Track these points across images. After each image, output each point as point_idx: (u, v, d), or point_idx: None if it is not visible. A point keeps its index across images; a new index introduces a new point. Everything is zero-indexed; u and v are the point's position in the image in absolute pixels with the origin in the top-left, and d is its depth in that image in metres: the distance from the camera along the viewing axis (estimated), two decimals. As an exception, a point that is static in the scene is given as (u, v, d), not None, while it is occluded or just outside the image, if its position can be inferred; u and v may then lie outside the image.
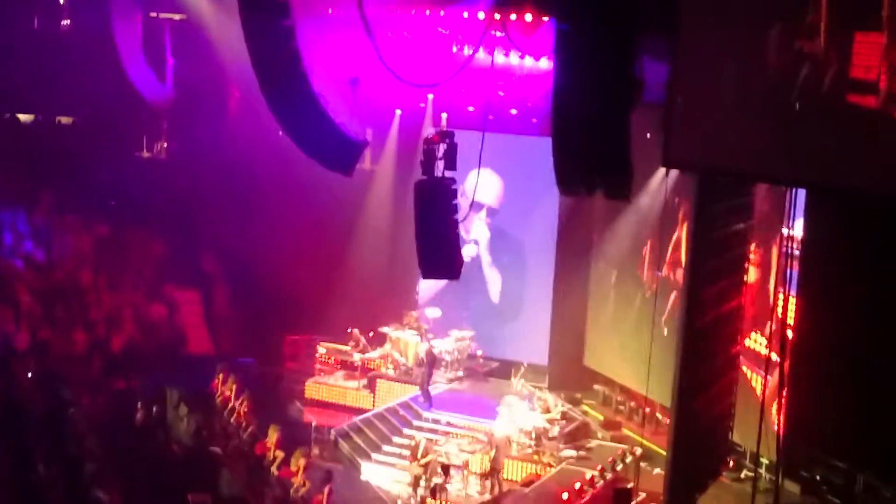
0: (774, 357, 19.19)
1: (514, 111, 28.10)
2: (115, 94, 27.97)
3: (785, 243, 15.34)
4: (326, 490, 21.60)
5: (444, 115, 22.04)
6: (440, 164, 17.53)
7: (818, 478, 20.70)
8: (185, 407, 25.32)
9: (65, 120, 32.78)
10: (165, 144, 32.81)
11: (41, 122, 32.96)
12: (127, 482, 20.91)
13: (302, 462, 22.64)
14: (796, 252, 17.81)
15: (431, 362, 26.60)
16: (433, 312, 29.26)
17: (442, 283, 28.38)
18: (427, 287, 29.76)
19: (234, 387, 26.20)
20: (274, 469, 23.17)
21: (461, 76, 18.73)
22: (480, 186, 28.42)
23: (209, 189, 30.85)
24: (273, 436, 23.58)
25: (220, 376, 26.68)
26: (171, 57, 27.53)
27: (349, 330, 28.35)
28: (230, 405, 25.91)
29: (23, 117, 33.22)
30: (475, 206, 28.03)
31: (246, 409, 25.44)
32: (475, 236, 29.69)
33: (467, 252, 28.62)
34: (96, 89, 28.57)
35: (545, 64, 25.71)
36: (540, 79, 26.36)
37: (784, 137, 12.64)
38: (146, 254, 31.38)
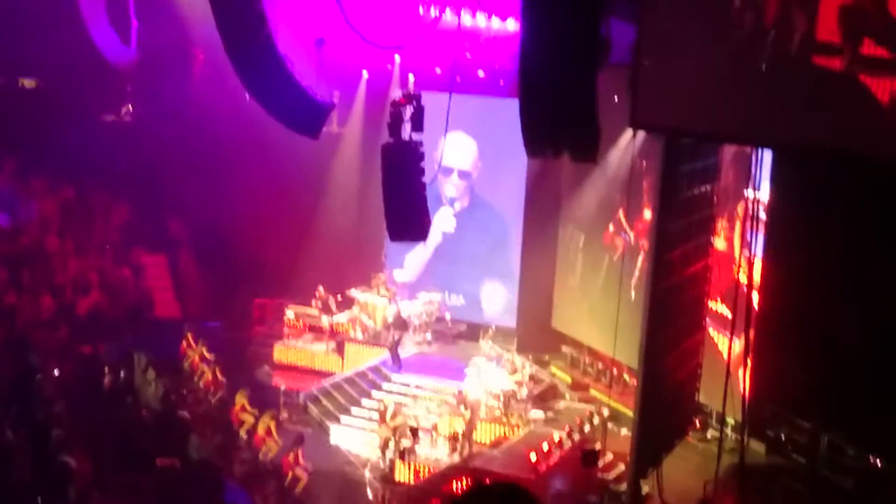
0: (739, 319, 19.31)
1: (481, 73, 28.02)
2: (78, 57, 27.63)
3: (750, 205, 15.39)
4: (298, 452, 21.62)
5: (411, 77, 22.02)
6: (407, 127, 17.47)
7: (783, 437, 20.94)
8: (152, 371, 25.24)
9: (28, 83, 32.39)
10: (130, 108, 32.48)
11: (3, 85, 32.57)
12: (95, 447, 20.82)
13: (271, 424, 22.64)
14: (762, 216, 17.92)
15: (401, 325, 26.63)
16: (401, 275, 29.28)
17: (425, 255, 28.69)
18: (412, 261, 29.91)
19: (202, 350, 26.15)
20: (243, 433, 23.18)
21: (428, 38, 18.62)
22: (455, 150, 28.65)
23: (175, 153, 30.61)
24: (241, 400, 23.57)
25: (188, 339, 26.60)
26: (135, 19, 27.16)
27: (316, 291, 28.32)
28: (199, 370, 25.86)
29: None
30: (444, 170, 28.11)
31: (215, 373, 25.41)
32: (451, 196, 29.71)
33: (444, 218, 28.79)
34: (60, 52, 28.22)
35: (512, 25, 25.63)
36: (507, 40, 26.29)
37: (751, 99, 12.67)
38: (112, 218, 31.16)
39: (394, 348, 26.18)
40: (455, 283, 29.62)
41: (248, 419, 23.26)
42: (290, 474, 21.44)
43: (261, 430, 22.71)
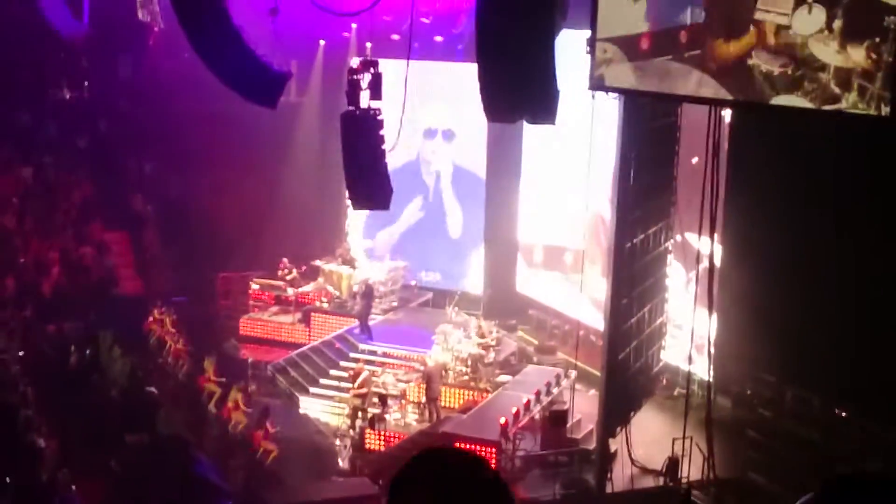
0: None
1: (439, 38, 27.90)
2: (30, 32, 27.31)
3: (710, 162, 15.47)
4: (266, 424, 21.63)
5: (368, 45, 21.86)
6: (366, 95, 17.39)
7: (748, 392, 21.15)
8: (118, 349, 25.13)
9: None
10: (87, 83, 32.13)
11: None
12: (63, 427, 20.77)
13: (238, 397, 22.62)
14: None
15: (369, 294, 26.62)
16: (364, 243, 29.25)
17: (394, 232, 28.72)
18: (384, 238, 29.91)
19: (169, 325, 26.05)
20: (211, 406, 23.15)
21: (384, 4, 18.52)
22: (435, 112, 28.66)
23: (134, 128, 30.37)
24: (209, 368, 23.52)
25: (154, 314, 26.47)
26: (86, -8, 26.90)
27: (280, 263, 28.27)
28: (167, 345, 25.77)
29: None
30: (429, 132, 28.13)
31: (182, 347, 25.34)
32: (437, 167, 29.64)
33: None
34: (11, 28, 27.87)
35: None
36: (464, 4, 26.19)
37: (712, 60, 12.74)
38: (72, 196, 30.87)
39: (364, 318, 26.19)
40: (430, 260, 29.60)
41: (215, 389, 23.23)
42: (260, 447, 21.44)
43: (230, 403, 22.69)
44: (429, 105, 28.13)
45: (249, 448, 21.68)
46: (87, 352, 24.88)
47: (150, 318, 26.48)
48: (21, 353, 24.33)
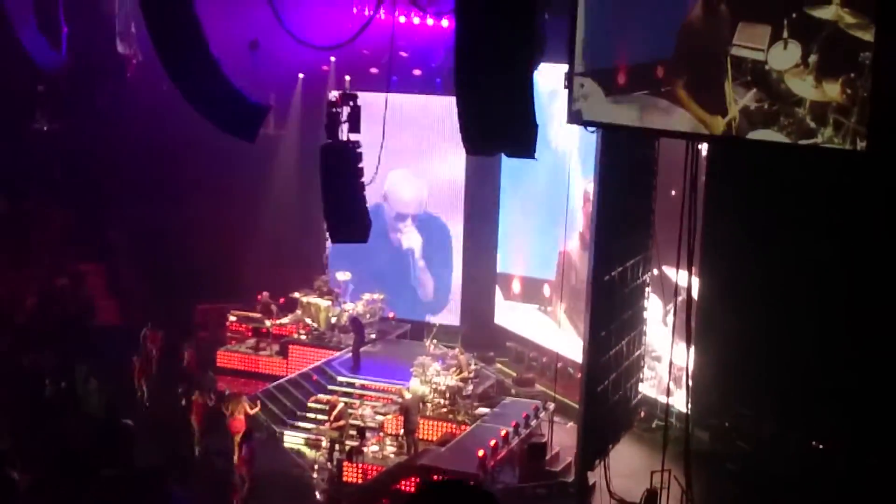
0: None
1: (417, 72, 28.01)
2: (7, 63, 27.23)
3: (687, 195, 15.55)
4: (244, 448, 21.48)
5: (347, 78, 21.96)
6: (344, 128, 17.43)
7: (727, 425, 21.18)
8: (94, 380, 24.95)
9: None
10: (65, 115, 32.06)
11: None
12: (38, 460, 20.56)
13: (246, 406, 22.53)
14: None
15: (359, 328, 26.63)
16: (343, 276, 29.21)
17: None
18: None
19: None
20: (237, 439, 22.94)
21: (363, 38, 18.58)
22: (403, 192, 29.04)
23: (111, 160, 30.29)
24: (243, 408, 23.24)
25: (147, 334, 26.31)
26: (65, 24, 26.81)
27: (258, 295, 28.20)
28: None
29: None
30: (399, 216, 28.35)
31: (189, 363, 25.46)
32: (408, 245, 29.91)
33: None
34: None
35: (447, 23, 25.64)
36: (442, 38, 26.31)
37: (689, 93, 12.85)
38: (48, 227, 30.74)
39: (356, 349, 26.20)
40: (395, 283, 29.65)
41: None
42: (237, 476, 21.29)
43: (240, 414, 22.56)
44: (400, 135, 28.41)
45: (228, 479, 21.53)
46: (63, 384, 24.70)
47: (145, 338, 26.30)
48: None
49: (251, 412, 22.67)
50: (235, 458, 21.64)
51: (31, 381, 24.89)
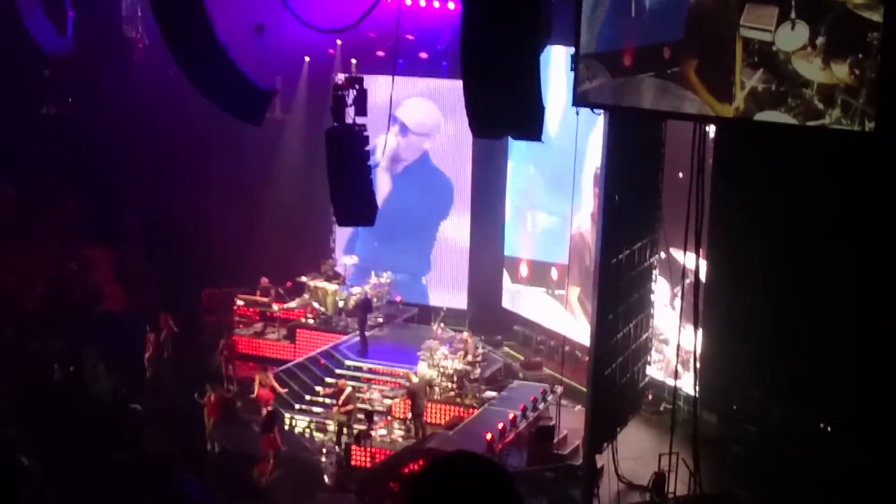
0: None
1: (424, 55, 27.93)
2: (13, 48, 27.21)
3: (695, 177, 15.50)
4: (276, 429, 21.71)
5: (353, 61, 21.85)
6: (350, 111, 17.40)
7: (734, 407, 21.16)
8: (102, 366, 25.01)
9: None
10: (70, 100, 32.04)
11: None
12: (47, 445, 20.61)
13: (269, 378, 22.87)
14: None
15: (367, 307, 26.63)
16: (350, 260, 29.21)
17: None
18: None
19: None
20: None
21: (369, 21, 18.52)
22: (414, 112, 28.82)
23: (118, 144, 30.24)
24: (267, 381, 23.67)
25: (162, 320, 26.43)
26: (70, 9, 26.77)
27: (260, 280, 28.26)
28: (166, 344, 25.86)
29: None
30: (402, 127, 28.40)
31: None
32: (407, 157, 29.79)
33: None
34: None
35: (453, 6, 25.56)
36: (449, 20, 26.23)
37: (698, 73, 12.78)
38: (56, 212, 30.75)
39: (362, 333, 26.22)
40: (403, 264, 29.60)
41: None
42: (269, 453, 21.38)
43: (267, 385, 23.28)
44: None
45: (254, 463, 21.64)
46: (71, 369, 24.77)
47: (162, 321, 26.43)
48: (4, 371, 24.19)
49: (279, 390, 22.98)
50: (259, 429, 21.74)
51: (40, 366, 24.96)
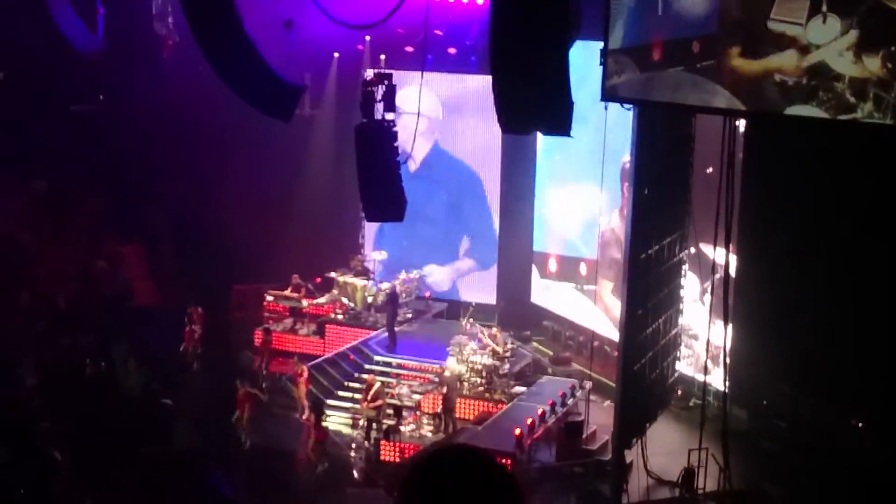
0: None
1: (452, 50, 27.93)
2: (45, 46, 27.41)
3: (724, 172, 15.45)
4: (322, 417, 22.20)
5: (382, 57, 21.95)
6: (380, 107, 17.43)
7: (764, 403, 21.07)
8: (133, 361, 25.16)
9: (-3, 75, 32.06)
10: (101, 97, 32.24)
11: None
12: (79, 439, 20.77)
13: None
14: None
15: (394, 300, 26.66)
16: (379, 255, 29.25)
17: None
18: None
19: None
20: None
21: (398, 16, 18.56)
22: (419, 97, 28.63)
23: (148, 141, 30.41)
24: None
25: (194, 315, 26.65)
26: (101, 6, 26.96)
27: (292, 277, 28.31)
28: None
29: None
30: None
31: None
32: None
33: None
34: (25, 42, 27.98)
35: (482, 1, 25.55)
36: (477, 15, 26.22)
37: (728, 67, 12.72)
38: (87, 209, 30.97)
39: (390, 324, 26.24)
40: (429, 260, 29.66)
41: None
42: (313, 438, 21.69)
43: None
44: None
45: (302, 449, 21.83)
46: (102, 364, 24.95)
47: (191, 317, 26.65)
48: (36, 366, 24.38)
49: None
50: (304, 416, 22.45)
51: (71, 361, 25.15)
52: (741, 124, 18.08)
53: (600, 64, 14.66)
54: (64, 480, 19.37)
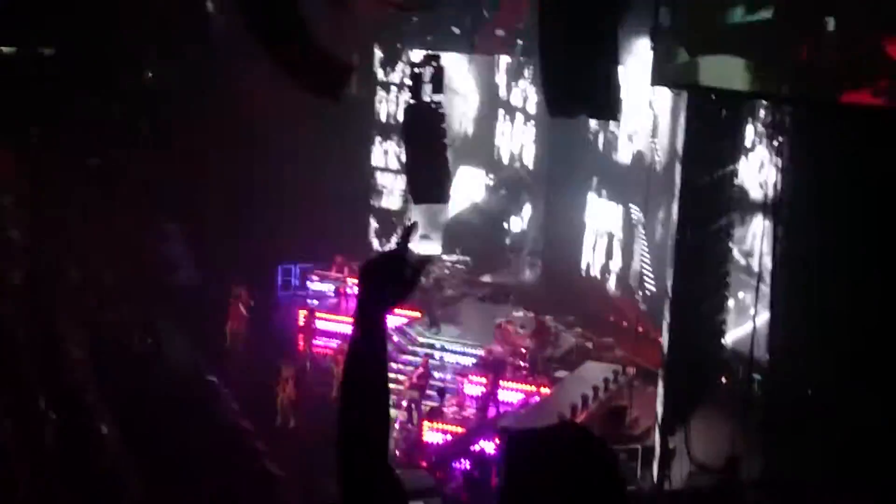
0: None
1: (500, 32, 27.76)
2: (96, 22, 27.59)
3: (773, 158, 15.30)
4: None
5: (428, 39, 21.92)
6: (427, 88, 17.40)
7: (810, 391, 20.86)
8: (179, 337, 25.36)
9: (47, 51, 32.29)
10: (150, 73, 32.41)
11: (23, 55, 32.49)
12: (125, 415, 20.98)
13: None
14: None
15: (438, 287, 26.69)
16: (423, 237, 29.31)
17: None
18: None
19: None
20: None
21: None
22: None
23: (196, 117, 30.54)
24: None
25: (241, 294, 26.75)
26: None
27: (336, 257, 28.40)
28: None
29: (4, 49, 32.76)
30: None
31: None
32: None
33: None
34: (76, 18, 28.17)
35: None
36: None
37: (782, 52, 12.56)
38: (135, 185, 31.14)
39: (432, 310, 26.25)
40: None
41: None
42: None
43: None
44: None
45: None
46: (149, 340, 25.18)
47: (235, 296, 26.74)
48: (83, 341, 24.62)
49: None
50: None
51: (118, 336, 25.38)
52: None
53: (651, 48, 14.53)
54: (109, 454, 19.57)
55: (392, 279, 3.67)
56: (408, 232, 3.63)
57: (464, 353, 24.96)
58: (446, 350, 25.25)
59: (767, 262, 18.67)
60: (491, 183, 30.14)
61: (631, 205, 26.40)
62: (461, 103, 28.11)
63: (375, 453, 3.26)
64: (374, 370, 3.40)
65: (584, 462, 2.99)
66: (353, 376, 3.40)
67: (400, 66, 30.11)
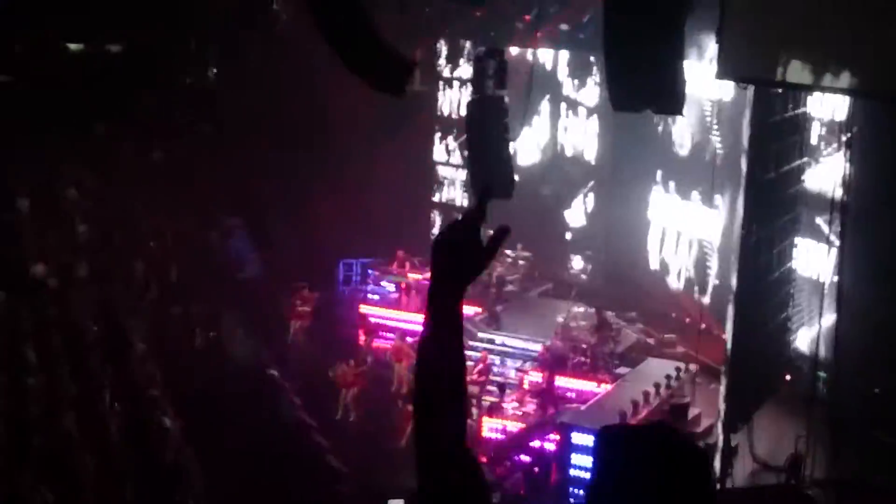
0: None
1: (564, 26, 27.64)
2: (161, 20, 27.92)
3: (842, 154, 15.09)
4: None
5: (492, 33, 21.88)
6: (491, 83, 17.35)
7: (877, 391, 20.56)
8: (241, 331, 25.58)
9: (114, 48, 32.71)
10: (214, 71, 32.72)
11: (90, 51, 32.96)
12: (188, 408, 21.19)
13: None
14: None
15: (500, 283, 26.68)
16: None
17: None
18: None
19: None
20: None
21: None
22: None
23: (258, 114, 30.78)
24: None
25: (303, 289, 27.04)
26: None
27: (398, 252, 28.45)
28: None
29: (73, 46, 33.25)
30: None
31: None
32: None
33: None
34: (143, 16, 28.54)
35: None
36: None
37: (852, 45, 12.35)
38: (198, 180, 31.46)
39: (493, 307, 26.24)
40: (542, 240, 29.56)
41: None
42: None
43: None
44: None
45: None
46: (211, 334, 25.41)
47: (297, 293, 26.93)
48: (148, 334, 24.91)
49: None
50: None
51: (182, 330, 25.67)
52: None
53: (717, 42, 14.37)
54: (172, 447, 19.77)
55: (469, 250, 3.29)
56: (482, 197, 3.35)
57: (524, 349, 24.90)
58: (506, 345, 25.21)
59: (834, 260, 18.46)
60: (552, 178, 29.98)
61: (694, 200, 26.17)
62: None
63: (454, 437, 3.13)
64: (450, 355, 3.23)
65: (678, 463, 2.91)
66: (428, 362, 3.23)
67: (462, 61, 30.07)
